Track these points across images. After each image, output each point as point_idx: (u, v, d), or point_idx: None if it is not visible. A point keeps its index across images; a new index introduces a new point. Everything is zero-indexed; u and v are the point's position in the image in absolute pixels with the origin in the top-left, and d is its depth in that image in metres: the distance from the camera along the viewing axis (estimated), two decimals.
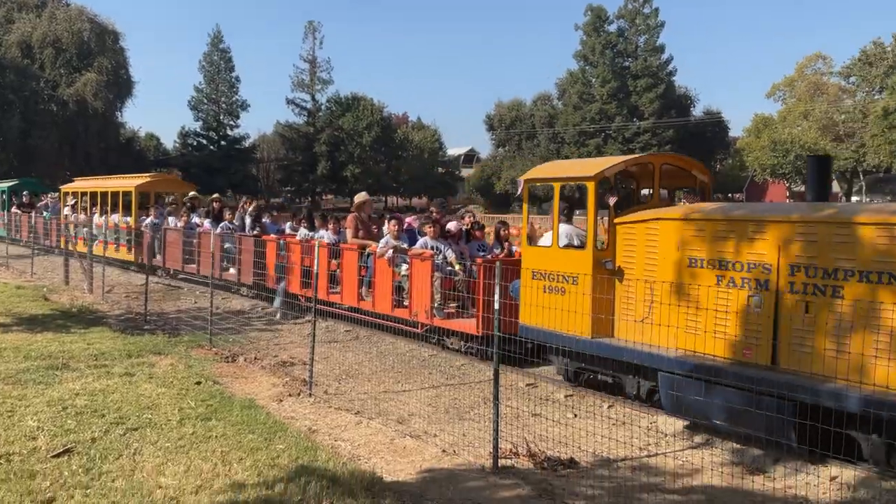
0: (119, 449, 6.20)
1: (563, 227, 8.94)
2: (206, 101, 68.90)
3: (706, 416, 6.84)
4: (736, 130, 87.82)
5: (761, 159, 74.72)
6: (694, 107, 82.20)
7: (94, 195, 23.24)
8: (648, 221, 7.86)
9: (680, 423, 7.34)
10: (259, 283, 14.56)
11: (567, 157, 79.21)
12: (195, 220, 18.09)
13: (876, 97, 68.98)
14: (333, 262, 12.79)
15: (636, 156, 9.42)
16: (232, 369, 9.52)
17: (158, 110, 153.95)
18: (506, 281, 7.99)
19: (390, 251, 11.21)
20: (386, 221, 12.14)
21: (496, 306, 6.33)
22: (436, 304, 10.48)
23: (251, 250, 14.50)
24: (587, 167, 8.74)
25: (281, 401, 8.18)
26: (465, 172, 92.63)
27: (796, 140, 72.66)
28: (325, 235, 13.36)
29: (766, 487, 5.92)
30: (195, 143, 69.12)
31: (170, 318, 13.33)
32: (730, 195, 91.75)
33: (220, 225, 16.18)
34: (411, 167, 79.30)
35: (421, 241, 11.14)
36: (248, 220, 16.22)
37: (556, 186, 8.93)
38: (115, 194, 22.04)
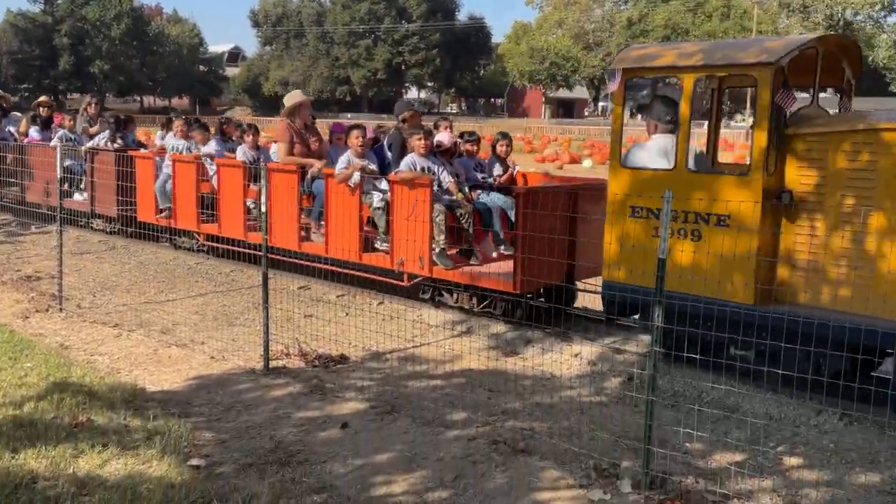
0: None
1: (660, 140, 6.44)
2: None
3: None
4: (498, 37, 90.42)
5: (520, 66, 78.16)
6: (459, 11, 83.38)
7: None
8: (861, 132, 5.55)
9: (444, 315, 7.75)
10: (126, 216, 11.14)
11: (337, 59, 77.78)
12: (9, 128, 13.92)
13: (622, 8, 73.93)
14: (252, 188, 9.41)
15: (806, 36, 7.15)
16: None
17: None
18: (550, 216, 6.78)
19: (357, 174, 8.04)
20: (345, 133, 8.74)
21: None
22: (437, 250, 7.63)
23: (112, 171, 10.82)
24: (751, 51, 5.90)
25: (27, 318, 7.52)
26: (231, 72, 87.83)
27: (551, 48, 76.57)
28: (243, 151, 9.80)
29: (518, 367, 6.47)
30: None
31: None
32: (492, 100, 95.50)
33: (58, 134, 12.32)
34: (168, 64, 73.69)
35: (408, 158, 7.99)
36: (97, 129, 12.05)
37: (688, 80, 6.05)
38: None
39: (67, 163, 11.42)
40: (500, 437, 4.77)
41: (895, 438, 5.08)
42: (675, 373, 6.04)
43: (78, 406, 4.99)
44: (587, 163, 31.10)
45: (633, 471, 4.26)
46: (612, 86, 6.40)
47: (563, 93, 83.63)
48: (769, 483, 4.39)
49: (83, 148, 11.52)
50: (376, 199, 8.16)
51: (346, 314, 7.98)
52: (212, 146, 10.03)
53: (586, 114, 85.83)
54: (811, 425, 5.34)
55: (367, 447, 4.66)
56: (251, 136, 9.95)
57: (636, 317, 6.83)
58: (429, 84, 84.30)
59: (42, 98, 15.27)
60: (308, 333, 7.06)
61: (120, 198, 10.90)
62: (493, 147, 8.96)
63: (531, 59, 75.82)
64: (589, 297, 8.09)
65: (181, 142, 10.50)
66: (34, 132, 13.39)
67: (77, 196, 12.07)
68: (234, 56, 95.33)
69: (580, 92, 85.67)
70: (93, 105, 12.74)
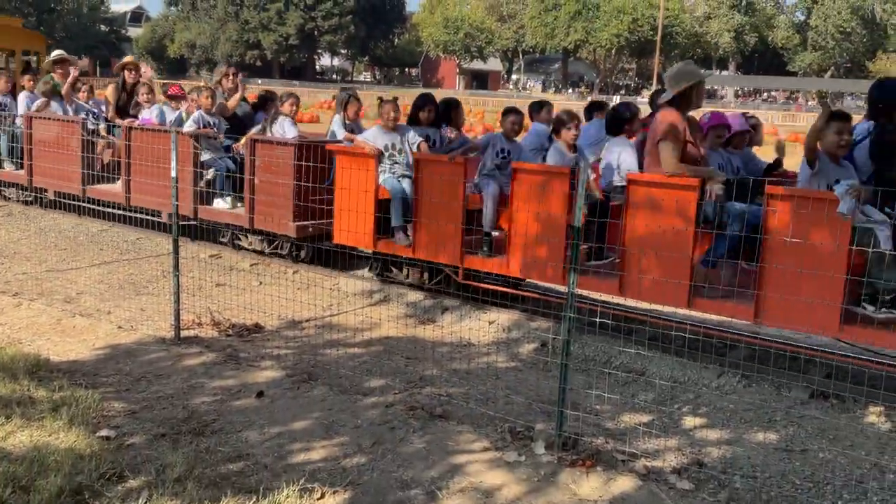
0: None
1: None
2: None
3: None
4: (413, 6, 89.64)
5: (435, 35, 77.82)
6: None
7: None
8: None
9: (361, 284, 7.72)
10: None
11: (247, 22, 75.51)
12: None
13: None
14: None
15: None
16: None
17: None
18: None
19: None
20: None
21: None
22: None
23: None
24: None
25: None
26: (134, 32, 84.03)
27: (466, 18, 76.47)
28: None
29: (435, 334, 6.54)
30: None
31: None
32: (406, 70, 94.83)
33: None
34: (67, 24, 69.99)
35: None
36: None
37: None
38: None
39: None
40: (417, 403, 4.82)
41: (790, 399, 5.40)
42: (586, 338, 6.23)
43: None
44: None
45: (546, 433, 4.38)
46: None
47: (478, 65, 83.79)
48: (674, 442, 4.60)
49: None
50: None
51: (260, 283, 7.85)
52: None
53: (501, 86, 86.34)
54: (712, 387, 5.61)
55: (284, 415, 4.63)
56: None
57: None
58: (342, 51, 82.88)
59: (127, 58, 11.59)
60: (221, 302, 6.91)
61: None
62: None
63: (445, 30, 75.59)
64: None
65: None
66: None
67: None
68: (138, 16, 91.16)
69: (494, 64, 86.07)
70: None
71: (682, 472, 4.15)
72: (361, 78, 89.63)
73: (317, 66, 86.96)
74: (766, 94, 74.84)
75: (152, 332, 6.14)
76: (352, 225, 7.16)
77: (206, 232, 8.96)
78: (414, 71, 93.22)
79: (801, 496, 4.02)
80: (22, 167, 10.57)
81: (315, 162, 7.51)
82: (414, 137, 7.11)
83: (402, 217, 7.00)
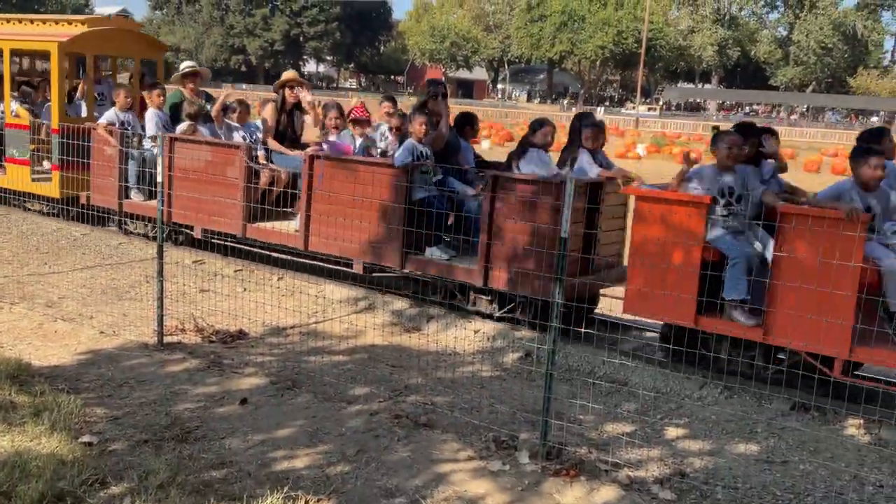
0: None
1: None
2: None
3: None
4: (399, 14, 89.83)
5: (421, 44, 78.01)
6: None
7: None
8: None
9: (346, 291, 7.71)
10: None
11: (232, 27, 75.30)
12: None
13: None
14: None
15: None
16: None
17: None
18: None
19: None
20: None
21: None
22: None
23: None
24: None
25: None
26: None
27: (452, 27, 76.75)
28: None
29: (421, 343, 6.54)
30: None
31: None
32: (392, 77, 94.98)
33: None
34: None
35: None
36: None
37: None
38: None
39: None
40: (402, 412, 4.82)
41: (771, 411, 5.44)
42: (570, 349, 6.25)
43: None
44: (485, 143, 31.45)
45: (530, 442, 4.40)
46: None
47: (464, 73, 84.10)
48: (657, 452, 4.63)
49: None
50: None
51: (244, 289, 7.83)
52: None
53: (487, 95, 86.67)
54: (694, 398, 5.65)
55: (268, 423, 4.62)
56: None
57: None
58: (328, 58, 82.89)
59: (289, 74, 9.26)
60: (204, 308, 6.88)
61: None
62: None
63: (432, 38, 75.81)
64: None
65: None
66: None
67: None
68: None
69: (480, 73, 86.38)
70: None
71: (664, 483, 4.17)
72: (347, 85, 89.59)
73: (303, 73, 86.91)
74: (748, 107, 75.63)
75: (135, 338, 6.10)
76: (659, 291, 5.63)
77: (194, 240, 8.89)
78: (400, 79, 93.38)
79: None
80: (153, 197, 8.36)
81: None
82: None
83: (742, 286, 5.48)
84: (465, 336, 6.68)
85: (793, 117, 64.61)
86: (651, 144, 34.84)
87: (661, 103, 71.50)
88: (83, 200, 9.46)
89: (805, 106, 66.30)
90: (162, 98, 9.16)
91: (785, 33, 74.07)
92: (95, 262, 8.68)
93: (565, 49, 69.66)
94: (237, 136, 8.66)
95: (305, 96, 8.46)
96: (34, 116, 10.58)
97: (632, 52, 67.35)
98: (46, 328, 6.24)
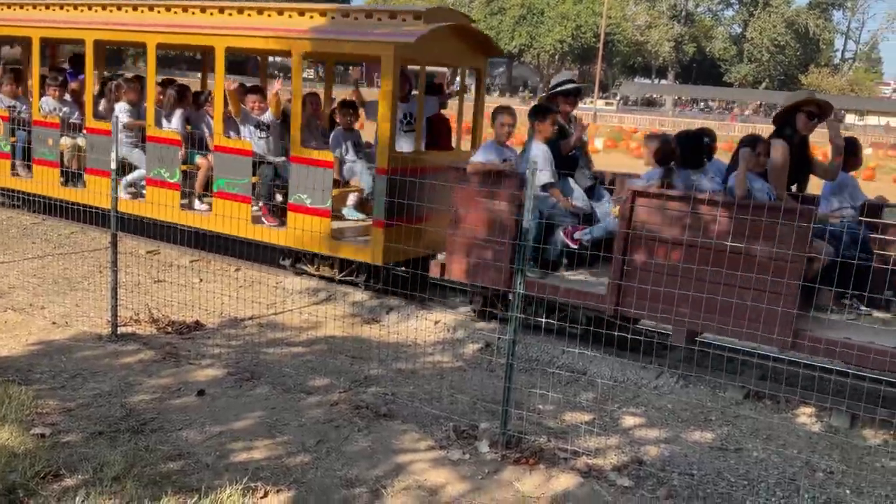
0: None
1: None
2: None
3: None
4: (359, 3, 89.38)
5: None
6: None
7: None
8: None
9: (305, 282, 7.65)
10: None
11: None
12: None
13: None
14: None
15: None
16: None
17: None
18: None
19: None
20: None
21: None
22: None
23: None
24: None
25: None
26: None
27: None
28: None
29: (380, 334, 6.52)
30: None
31: None
32: (348, 68, 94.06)
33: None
34: None
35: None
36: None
37: None
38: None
39: None
40: (362, 402, 4.80)
41: (725, 399, 5.55)
42: (531, 339, 6.29)
43: None
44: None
45: (490, 432, 4.42)
46: None
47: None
48: (615, 440, 4.69)
49: None
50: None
51: (201, 280, 7.71)
52: None
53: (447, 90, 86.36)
54: (651, 387, 5.73)
55: (226, 414, 4.56)
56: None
57: None
58: None
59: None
60: (160, 299, 6.77)
61: None
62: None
63: None
64: None
65: None
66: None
67: None
68: None
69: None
70: None
71: (622, 470, 4.23)
72: (305, 75, 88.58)
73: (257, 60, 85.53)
74: (702, 103, 76.74)
75: (88, 329, 5.97)
76: None
77: (146, 228, 8.70)
78: (359, 70, 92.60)
79: (735, 493, 4.14)
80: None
81: None
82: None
83: None
84: (426, 327, 6.67)
85: (746, 113, 65.75)
86: (609, 139, 35.18)
87: (618, 98, 72.23)
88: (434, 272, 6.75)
89: (758, 102, 67.51)
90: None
91: (739, 30, 75.34)
92: (47, 251, 8.47)
93: (524, 42, 69.87)
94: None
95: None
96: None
97: (590, 47, 67.83)
98: None
